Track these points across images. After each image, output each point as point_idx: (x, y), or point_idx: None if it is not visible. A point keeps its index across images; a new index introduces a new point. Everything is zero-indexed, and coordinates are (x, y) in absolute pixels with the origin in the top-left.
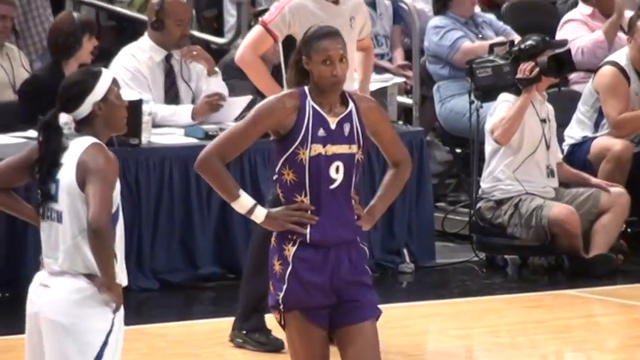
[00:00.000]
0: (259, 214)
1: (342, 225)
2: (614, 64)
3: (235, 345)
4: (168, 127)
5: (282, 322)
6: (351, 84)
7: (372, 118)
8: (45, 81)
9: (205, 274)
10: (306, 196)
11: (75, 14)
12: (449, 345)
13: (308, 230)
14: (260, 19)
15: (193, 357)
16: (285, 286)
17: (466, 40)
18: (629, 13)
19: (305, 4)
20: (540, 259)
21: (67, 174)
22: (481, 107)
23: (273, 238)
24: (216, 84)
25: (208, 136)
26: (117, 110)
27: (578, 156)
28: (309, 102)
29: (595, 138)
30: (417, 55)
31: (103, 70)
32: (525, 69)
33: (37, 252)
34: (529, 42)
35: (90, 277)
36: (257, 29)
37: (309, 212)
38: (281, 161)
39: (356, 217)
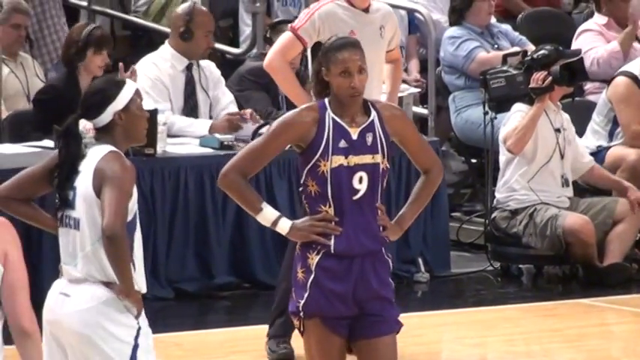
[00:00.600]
0: (284, 226)
1: (367, 235)
2: (628, 74)
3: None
4: (183, 137)
5: (302, 329)
6: (379, 95)
7: (397, 126)
8: (60, 90)
9: (220, 284)
10: (330, 207)
11: (87, 28)
12: (463, 354)
13: (332, 241)
14: (290, 25)
15: None
16: (306, 294)
17: (482, 51)
18: None
19: (335, 11)
20: (555, 269)
21: (84, 181)
22: (495, 118)
23: (298, 246)
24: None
25: (223, 146)
26: (137, 121)
27: None
28: (329, 114)
29: (608, 147)
30: (433, 66)
31: (127, 80)
32: (538, 78)
33: (53, 260)
34: (542, 51)
35: (108, 284)
36: (286, 35)
37: (332, 223)
38: (304, 173)
39: (382, 228)
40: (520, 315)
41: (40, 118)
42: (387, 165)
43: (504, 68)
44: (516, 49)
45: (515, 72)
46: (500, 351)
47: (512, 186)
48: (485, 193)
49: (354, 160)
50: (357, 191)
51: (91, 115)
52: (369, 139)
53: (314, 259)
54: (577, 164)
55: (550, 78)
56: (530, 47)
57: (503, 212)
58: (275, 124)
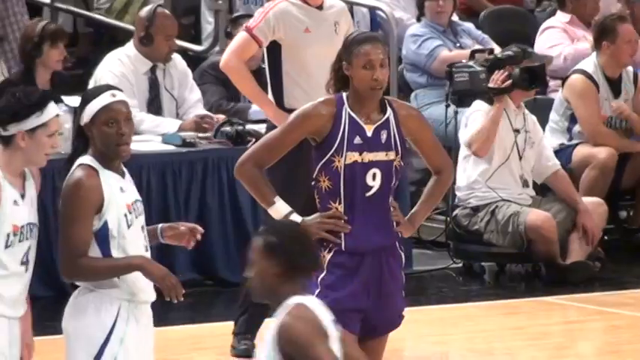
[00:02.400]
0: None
1: (379, 232)
2: (582, 72)
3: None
4: (146, 134)
5: None
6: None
7: (412, 126)
8: (14, 85)
9: (183, 281)
10: (340, 203)
11: (42, 23)
12: (426, 351)
13: (342, 238)
14: (245, 25)
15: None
16: (317, 290)
17: (444, 49)
18: None
19: (289, 10)
20: (517, 267)
21: None
22: (457, 112)
23: None
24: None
25: (186, 144)
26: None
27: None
28: (346, 109)
29: (572, 146)
30: (395, 64)
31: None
32: (498, 79)
33: None
34: (508, 52)
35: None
36: (242, 35)
37: (342, 221)
38: (318, 168)
39: (395, 223)
40: (482, 313)
41: None
42: (401, 163)
43: (470, 64)
44: (478, 47)
45: (479, 69)
46: (462, 349)
47: (471, 184)
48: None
49: (369, 156)
50: (370, 188)
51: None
52: (384, 136)
53: (326, 257)
54: (541, 168)
55: (510, 80)
56: (493, 45)
57: (464, 210)
58: (292, 116)
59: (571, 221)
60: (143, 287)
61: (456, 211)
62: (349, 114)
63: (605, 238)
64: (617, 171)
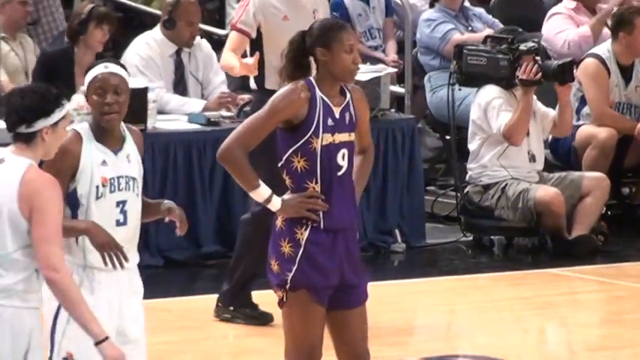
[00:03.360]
0: (275, 203)
1: (349, 209)
2: (596, 56)
3: (221, 319)
4: (173, 114)
5: (284, 300)
6: None
7: (361, 108)
8: (52, 59)
9: (207, 252)
10: (317, 183)
11: (92, 5)
12: (437, 320)
13: (321, 216)
14: (231, 23)
15: (196, 330)
16: (295, 267)
17: (456, 33)
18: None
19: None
20: (525, 240)
21: None
22: (459, 90)
23: (281, 222)
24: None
25: (210, 123)
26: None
27: (563, 142)
28: (317, 93)
29: (578, 126)
30: (410, 47)
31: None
32: (529, 71)
33: None
34: (531, 44)
35: None
36: (232, 34)
37: (319, 201)
38: (292, 149)
39: None
40: (491, 284)
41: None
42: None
43: (487, 48)
44: (490, 31)
45: (499, 55)
46: (472, 318)
47: (483, 163)
48: (454, 166)
49: (339, 137)
50: (340, 167)
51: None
52: (347, 118)
53: (303, 234)
54: (545, 125)
55: (540, 73)
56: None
57: (475, 187)
58: (274, 100)
59: (576, 196)
60: (91, 257)
61: (468, 189)
62: (321, 97)
63: (609, 213)
64: (621, 151)
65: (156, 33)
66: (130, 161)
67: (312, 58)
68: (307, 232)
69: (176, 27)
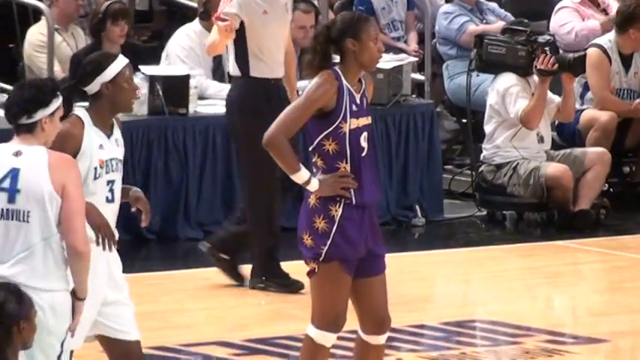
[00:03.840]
0: (314, 184)
1: (376, 186)
2: (599, 46)
3: (256, 289)
4: (212, 99)
5: (315, 272)
6: (282, 65)
7: (371, 92)
8: (82, 58)
9: None
10: (347, 163)
11: (107, 2)
12: (454, 288)
13: (352, 194)
14: (213, 17)
15: (232, 297)
16: (329, 241)
17: (472, 25)
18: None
19: None
20: (534, 215)
21: None
22: (477, 75)
23: (315, 200)
24: None
25: None
26: (124, 94)
27: (568, 125)
28: (344, 82)
29: (582, 110)
30: (429, 38)
31: (120, 55)
32: (547, 62)
33: None
34: (547, 37)
35: None
36: (215, 26)
37: (350, 179)
38: (323, 134)
39: None
40: (503, 255)
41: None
42: None
43: (506, 39)
44: (502, 23)
45: (518, 46)
46: (486, 286)
47: (497, 144)
48: (470, 148)
49: (362, 121)
50: (364, 149)
51: (82, 84)
52: (365, 103)
53: (338, 211)
54: (550, 110)
55: (557, 64)
56: None
57: (489, 166)
58: (309, 91)
59: (580, 171)
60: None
61: (482, 168)
62: (346, 85)
63: (611, 190)
64: (621, 132)
65: (195, 25)
66: (118, 145)
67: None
68: (341, 208)
69: (211, 17)
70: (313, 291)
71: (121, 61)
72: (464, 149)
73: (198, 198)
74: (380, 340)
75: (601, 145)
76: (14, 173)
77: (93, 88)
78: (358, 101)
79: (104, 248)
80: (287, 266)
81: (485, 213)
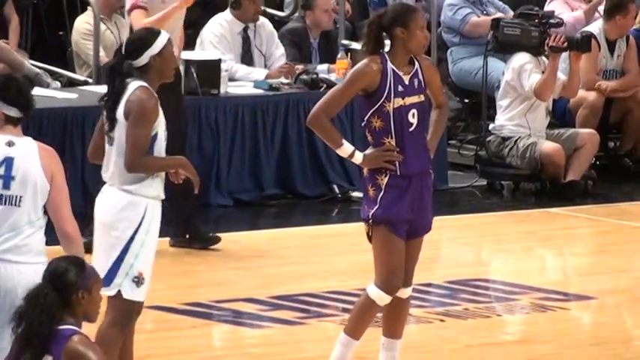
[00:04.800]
0: (358, 157)
1: (420, 158)
2: (589, 33)
3: (179, 246)
4: (241, 81)
5: (370, 234)
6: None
7: (429, 73)
8: None
9: (269, 194)
10: (391, 138)
11: None
12: (458, 251)
13: (397, 165)
14: (130, 5)
15: (259, 258)
16: (376, 207)
17: (474, 16)
18: None
19: None
20: (529, 185)
21: (120, 109)
22: (492, 55)
23: (366, 171)
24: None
25: (272, 88)
26: (169, 63)
27: (559, 104)
28: (389, 65)
29: None
30: (435, 27)
31: (162, 31)
32: (558, 40)
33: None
34: (558, 19)
35: (127, 190)
36: (136, 12)
37: (395, 152)
38: (370, 112)
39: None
40: (502, 220)
41: None
42: (425, 102)
43: (519, 22)
44: (500, 14)
45: (531, 28)
46: (487, 248)
47: (511, 116)
48: (478, 125)
49: (409, 100)
50: (411, 124)
51: (132, 57)
52: (416, 83)
53: (383, 180)
54: (555, 88)
55: (567, 42)
56: (511, 13)
57: (496, 138)
58: (351, 73)
59: (572, 148)
60: (162, 189)
61: (489, 138)
62: (392, 68)
63: (597, 163)
64: (606, 109)
65: (227, 14)
66: None
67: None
68: (386, 178)
69: (242, 6)
70: (373, 251)
71: (165, 36)
72: (466, 126)
73: (229, 169)
74: (406, 292)
75: (589, 122)
76: (9, 162)
77: (142, 60)
78: (407, 82)
79: (196, 190)
80: (301, 230)
81: (485, 183)
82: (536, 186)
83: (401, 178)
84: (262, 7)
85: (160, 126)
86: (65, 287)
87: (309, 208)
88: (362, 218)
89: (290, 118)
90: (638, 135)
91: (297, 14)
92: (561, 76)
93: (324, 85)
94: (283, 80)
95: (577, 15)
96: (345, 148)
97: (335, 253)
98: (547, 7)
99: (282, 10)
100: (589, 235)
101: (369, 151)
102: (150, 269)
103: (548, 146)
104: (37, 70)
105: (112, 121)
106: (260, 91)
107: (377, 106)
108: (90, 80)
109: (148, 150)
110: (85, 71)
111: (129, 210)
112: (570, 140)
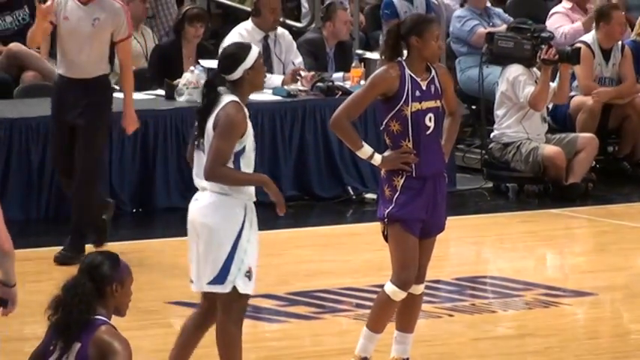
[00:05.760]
0: (377, 159)
1: (436, 160)
2: (584, 42)
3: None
4: None
5: (385, 233)
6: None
7: (444, 80)
8: (165, 51)
9: (287, 196)
10: (409, 141)
11: (187, 7)
12: (466, 249)
13: (413, 167)
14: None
15: (278, 256)
16: (391, 206)
17: (480, 27)
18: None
19: (60, 1)
20: (533, 187)
21: (211, 120)
22: (487, 67)
23: (384, 172)
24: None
25: (290, 95)
26: (260, 75)
27: (560, 110)
28: (407, 71)
29: (572, 96)
30: (444, 37)
31: (252, 45)
32: (550, 53)
33: (164, 177)
34: (549, 33)
35: (223, 192)
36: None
37: (411, 155)
38: (389, 116)
39: None
40: (507, 221)
41: (152, 74)
42: (442, 107)
43: (513, 35)
44: (505, 26)
45: (524, 41)
46: (492, 247)
47: (508, 125)
48: (482, 130)
49: (426, 105)
50: (428, 128)
51: (227, 72)
52: (432, 89)
53: (399, 181)
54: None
55: (558, 55)
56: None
57: (497, 145)
58: (371, 79)
59: (572, 152)
60: (254, 194)
61: (491, 145)
62: (410, 74)
63: (597, 166)
64: (605, 115)
65: (248, 24)
66: None
67: (403, 43)
68: (402, 179)
69: (261, 14)
70: (390, 250)
71: (255, 50)
72: (473, 131)
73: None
74: (418, 289)
75: (588, 126)
76: None
77: (236, 75)
78: (424, 88)
79: (281, 212)
80: (317, 230)
81: (491, 185)
82: (540, 188)
83: (416, 180)
84: (281, 18)
85: (249, 139)
86: (101, 279)
87: (325, 209)
88: (378, 217)
89: (307, 124)
90: (635, 139)
91: (313, 25)
92: (551, 84)
93: (340, 92)
94: (300, 87)
95: (576, 26)
96: (365, 150)
97: (349, 252)
98: (549, 20)
99: (299, 21)
100: (589, 234)
101: (387, 153)
102: (256, 264)
103: (550, 150)
104: None
105: (202, 130)
106: (278, 98)
107: (395, 110)
108: (117, 88)
109: (229, 162)
110: (112, 78)
111: (231, 208)
112: (571, 144)
